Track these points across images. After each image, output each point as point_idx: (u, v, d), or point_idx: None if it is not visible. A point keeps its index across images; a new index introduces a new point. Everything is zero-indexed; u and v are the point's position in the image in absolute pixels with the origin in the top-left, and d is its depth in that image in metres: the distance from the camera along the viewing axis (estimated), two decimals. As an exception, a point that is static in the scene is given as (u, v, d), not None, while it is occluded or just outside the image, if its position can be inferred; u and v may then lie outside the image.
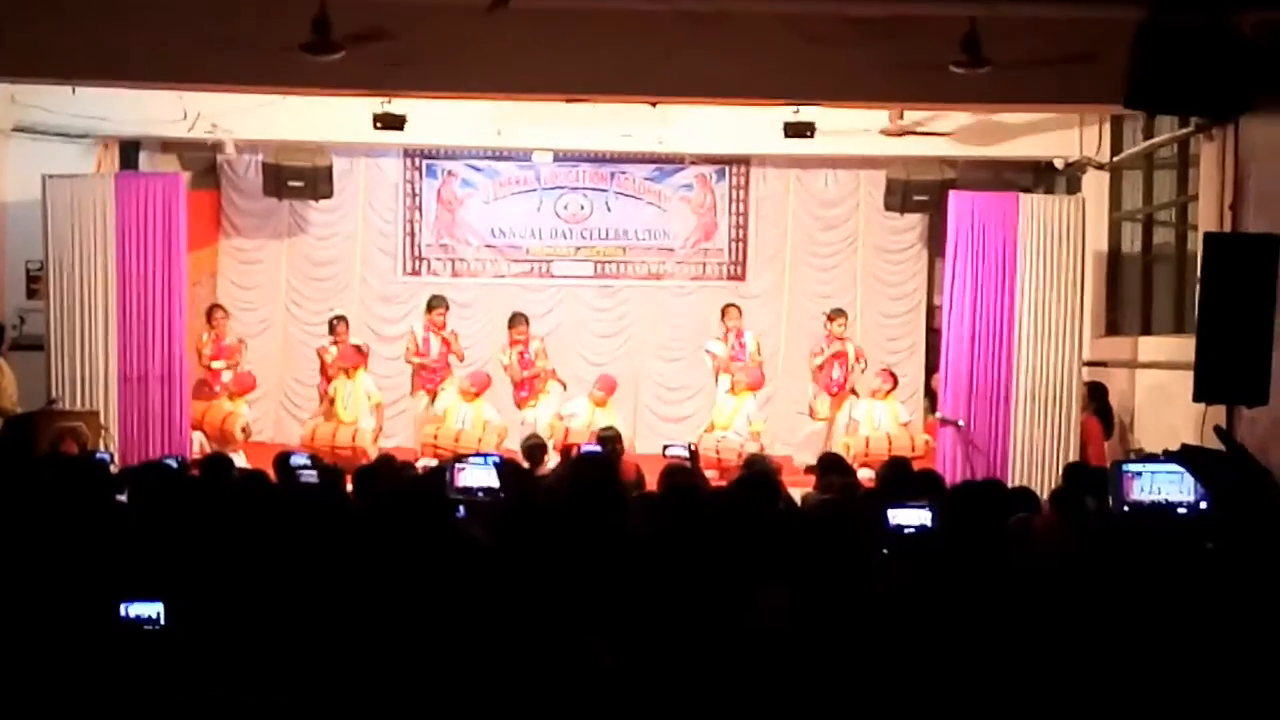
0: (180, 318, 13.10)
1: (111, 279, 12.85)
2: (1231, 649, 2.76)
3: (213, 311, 14.41)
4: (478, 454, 8.94)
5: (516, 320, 14.43)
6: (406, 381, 14.87)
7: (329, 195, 14.83)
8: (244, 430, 13.92)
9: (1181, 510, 3.88)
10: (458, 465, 7.47)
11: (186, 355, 13.36)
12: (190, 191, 13.80)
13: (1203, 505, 3.77)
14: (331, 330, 14.57)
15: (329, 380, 14.34)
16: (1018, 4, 9.41)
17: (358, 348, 14.34)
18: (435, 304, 14.44)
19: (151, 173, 14.39)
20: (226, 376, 14.19)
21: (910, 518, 5.69)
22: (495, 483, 6.75)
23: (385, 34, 10.26)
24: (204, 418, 13.82)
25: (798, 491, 9.01)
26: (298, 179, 14.41)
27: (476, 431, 13.65)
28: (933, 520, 5.63)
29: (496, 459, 7.72)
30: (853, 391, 14.42)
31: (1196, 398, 9.51)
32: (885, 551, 5.49)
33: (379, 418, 14.19)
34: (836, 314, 14.56)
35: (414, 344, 14.33)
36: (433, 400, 14.26)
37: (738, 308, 14.73)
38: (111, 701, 3.64)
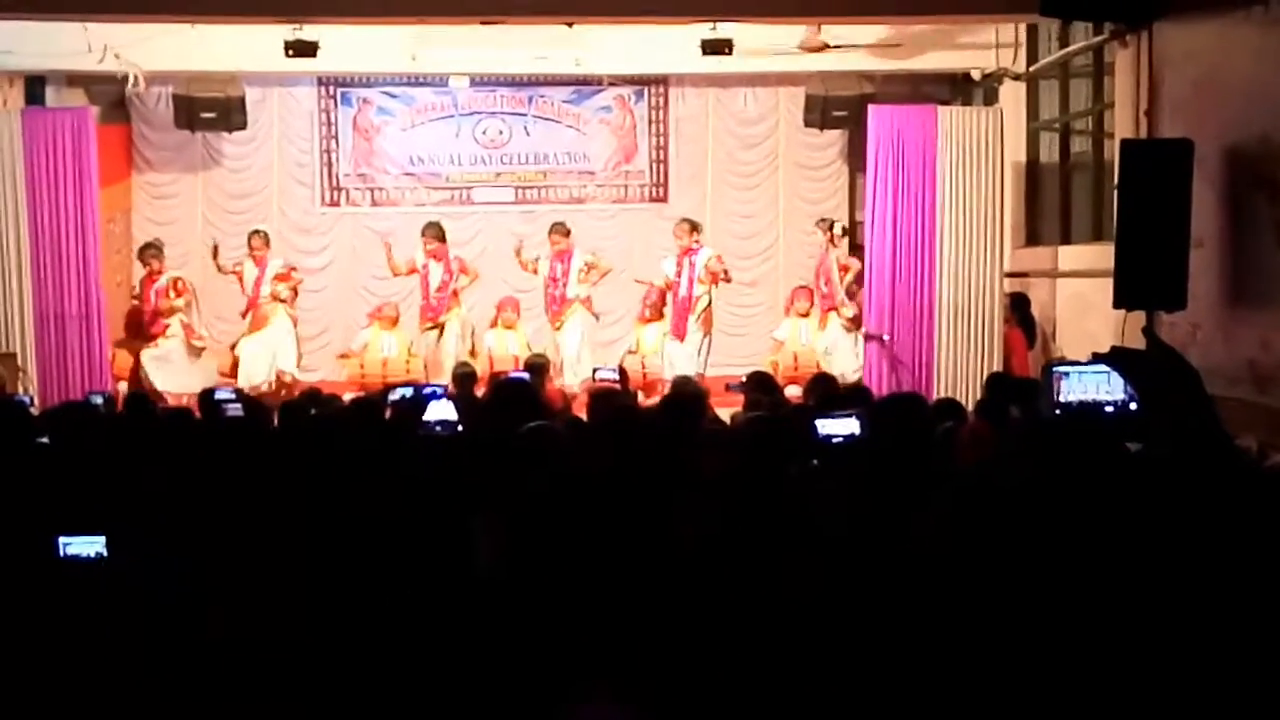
0: (95, 255, 12.90)
1: (23, 218, 12.63)
2: (1157, 547, 2.80)
3: (145, 250, 14.04)
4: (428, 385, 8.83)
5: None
6: (327, 315, 14.75)
7: (243, 126, 14.59)
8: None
9: (1109, 409, 3.96)
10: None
11: (104, 293, 13.15)
12: (100, 126, 13.53)
13: (1131, 405, 3.84)
14: (250, 243, 14.15)
15: (250, 305, 14.05)
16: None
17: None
18: (429, 233, 13.95)
19: (59, 108, 14.10)
20: (173, 319, 13.77)
21: (839, 427, 5.73)
22: (452, 415, 6.65)
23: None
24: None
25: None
26: (210, 110, 14.16)
27: (402, 360, 13.63)
28: (861, 429, 5.67)
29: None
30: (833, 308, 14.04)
31: (1116, 304, 9.65)
32: (815, 461, 5.53)
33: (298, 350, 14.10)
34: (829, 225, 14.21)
35: (430, 277, 13.90)
36: (441, 333, 13.95)
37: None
38: (54, 639, 3.61)
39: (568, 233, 14.03)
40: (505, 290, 14.93)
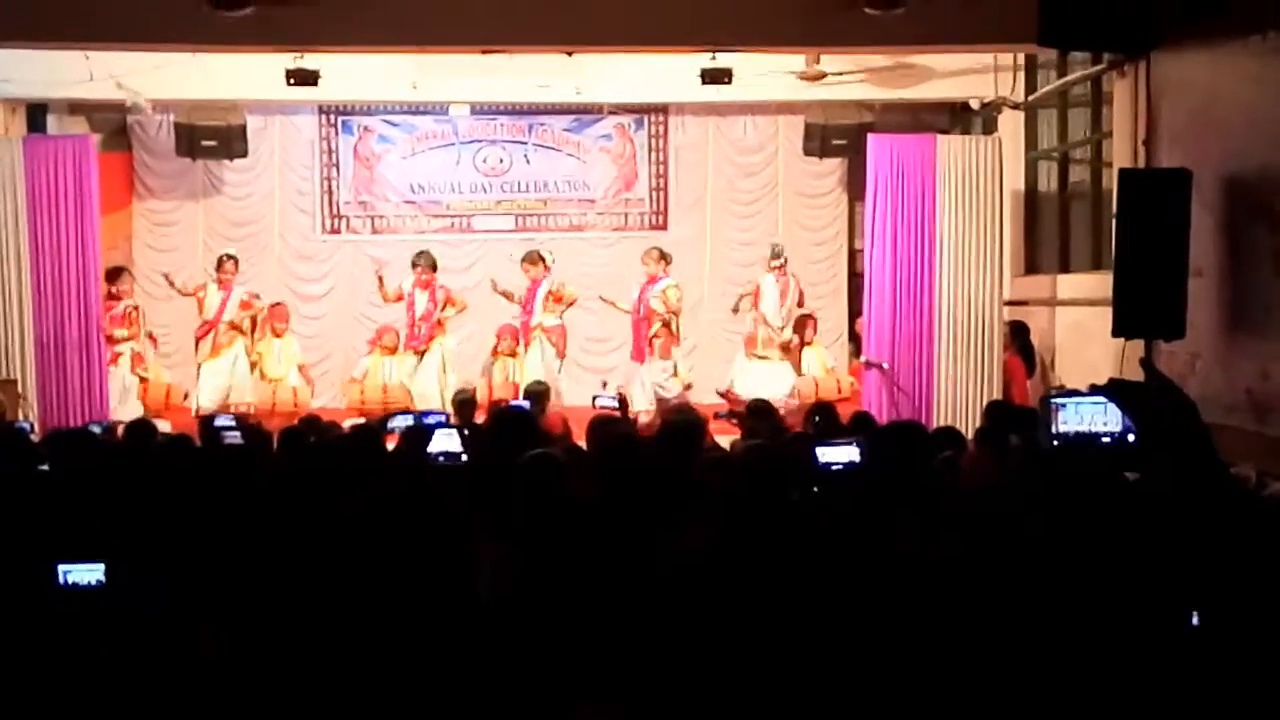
0: (95, 283, 12.90)
1: (24, 245, 12.62)
2: (1156, 576, 2.81)
3: (118, 274, 13.80)
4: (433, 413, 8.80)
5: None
6: (328, 342, 14.78)
7: (244, 154, 14.65)
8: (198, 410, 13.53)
9: (1105, 439, 3.97)
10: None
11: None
12: (101, 154, 13.56)
13: (1129, 436, 3.86)
14: (220, 268, 13.94)
15: (204, 328, 13.86)
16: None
17: (285, 307, 14.20)
18: (422, 262, 13.89)
19: (61, 135, 14.15)
20: (122, 348, 13.54)
21: (838, 455, 5.75)
22: (455, 446, 6.63)
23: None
24: (167, 401, 13.54)
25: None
26: (211, 139, 14.22)
27: (402, 389, 13.64)
28: (860, 456, 5.68)
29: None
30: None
31: (1115, 333, 9.66)
32: (815, 490, 5.55)
33: (305, 377, 14.08)
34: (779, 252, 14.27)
35: (414, 303, 13.84)
36: (420, 359, 13.87)
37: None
38: (54, 666, 3.61)
39: (538, 260, 13.91)
40: (506, 318, 14.94)
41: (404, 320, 13.97)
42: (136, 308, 14.03)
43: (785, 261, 14.07)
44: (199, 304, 13.90)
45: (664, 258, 14.06)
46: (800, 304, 14.11)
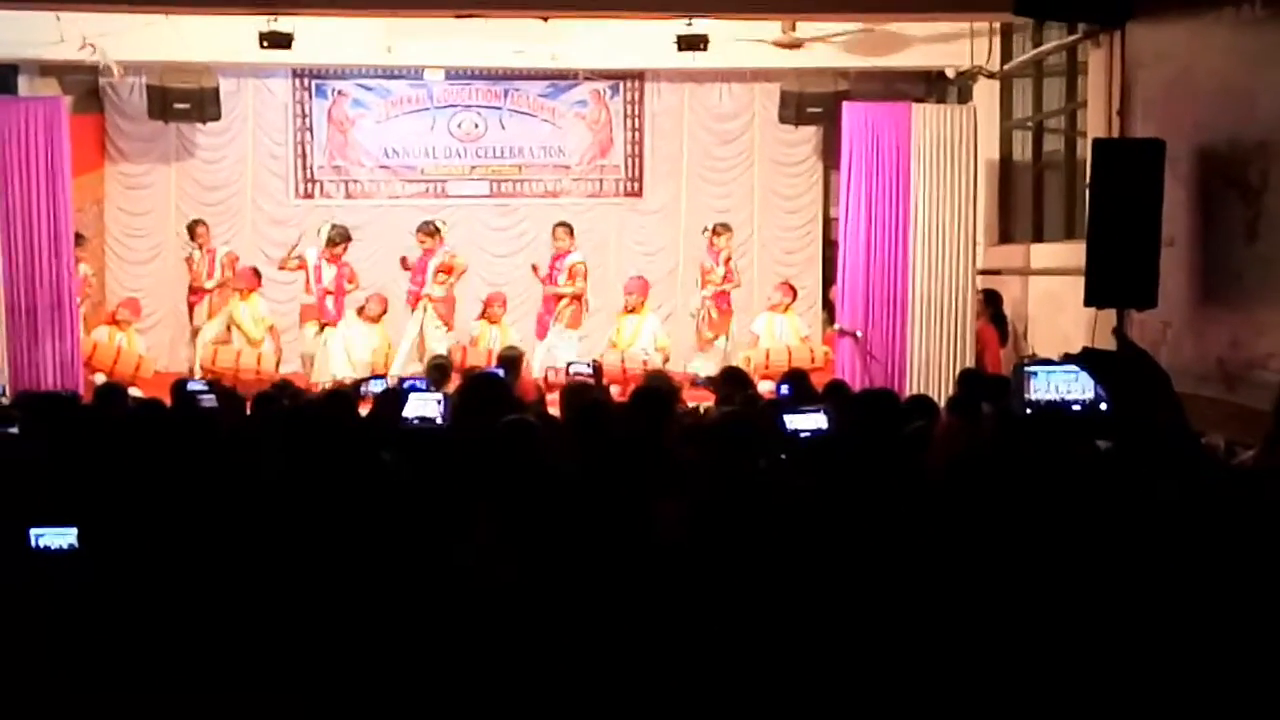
0: (68, 246, 12.79)
1: (-5, 207, 12.53)
2: (1127, 543, 2.83)
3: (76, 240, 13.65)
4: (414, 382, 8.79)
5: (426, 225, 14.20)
6: (299, 307, 14.71)
7: (216, 118, 14.54)
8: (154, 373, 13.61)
9: (1076, 407, 4.01)
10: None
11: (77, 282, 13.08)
12: (73, 116, 13.44)
13: (1100, 405, 3.89)
14: (192, 235, 14.41)
15: (196, 294, 14.22)
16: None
17: (254, 270, 14.18)
18: (338, 238, 14.01)
19: (31, 97, 14.03)
20: (83, 309, 13.61)
21: (806, 422, 5.76)
22: (431, 412, 6.60)
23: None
24: (114, 364, 13.50)
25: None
26: (184, 101, 14.11)
27: (380, 353, 13.66)
28: (829, 424, 5.70)
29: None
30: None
31: (1088, 302, 9.71)
32: (784, 457, 5.56)
33: (276, 341, 14.07)
34: (721, 228, 14.52)
35: (309, 274, 14.02)
36: (320, 332, 13.99)
37: (569, 228, 14.35)
38: (26, 630, 3.60)
39: (433, 232, 14.03)
40: (480, 285, 14.95)
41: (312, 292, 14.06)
42: (86, 278, 14.02)
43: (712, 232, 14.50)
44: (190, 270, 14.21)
45: (571, 232, 14.27)
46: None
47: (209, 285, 14.27)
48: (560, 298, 14.02)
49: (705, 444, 5.61)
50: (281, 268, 14.19)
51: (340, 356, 13.72)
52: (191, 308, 14.48)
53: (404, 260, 14.13)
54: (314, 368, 13.79)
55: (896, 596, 3.49)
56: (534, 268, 14.30)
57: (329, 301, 13.93)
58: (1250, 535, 2.54)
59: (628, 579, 3.82)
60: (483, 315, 14.02)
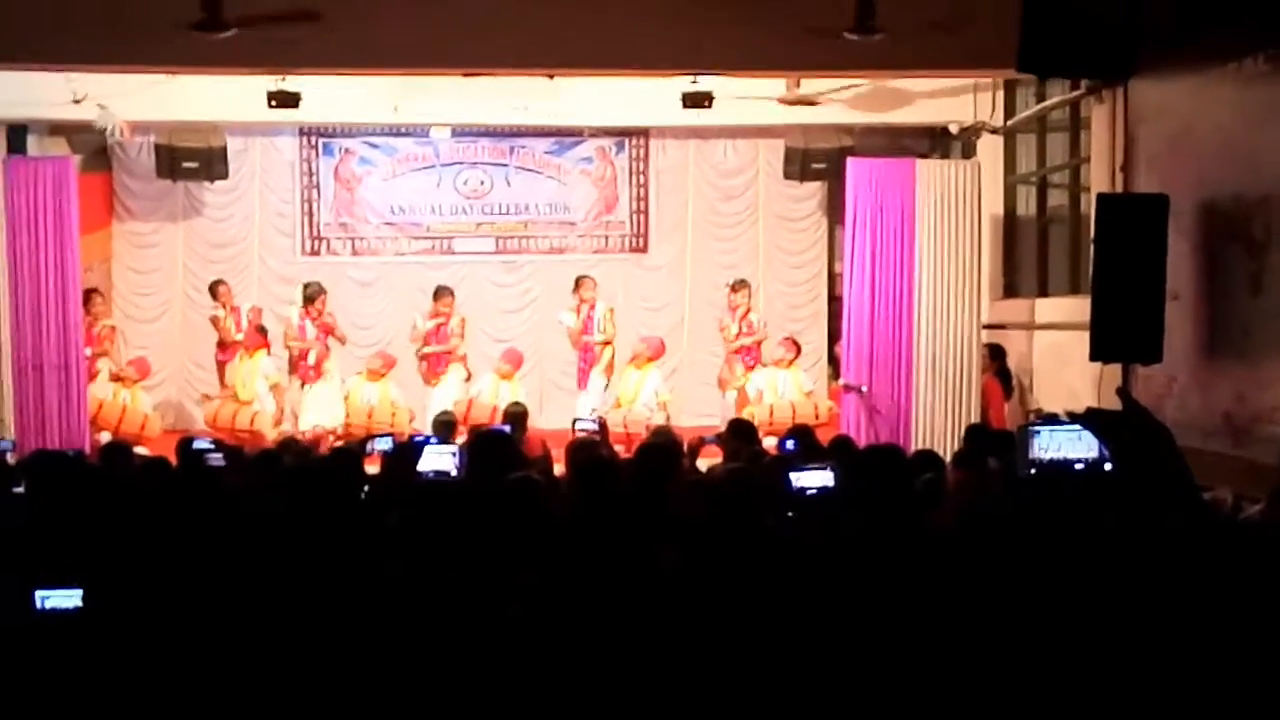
0: (75, 304, 12.87)
1: (2, 266, 12.59)
2: (1132, 600, 2.82)
3: (89, 297, 13.86)
4: (427, 437, 8.79)
5: (442, 293, 14.33)
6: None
7: (224, 176, 14.65)
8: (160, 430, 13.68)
9: (1079, 466, 4.01)
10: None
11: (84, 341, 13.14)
12: (81, 174, 13.54)
13: (1105, 465, 3.90)
14: (215, 295, 14.48)
15: (226, 351, 14.29)
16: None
17: (260, 329, 14.21)
18: (312, 293, 14.22)
19: (41, 156, 14.11)
20: (100, 365, 13.83)
21: (812, 480, 5.75)
22: (446, 465, 6.58)
23: (279, 12, 10.12)
24: (120, 422, 13.46)
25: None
26: (192, 160, 14.21)
27: (384, 412, 13.62)
28: (835, 481, 5.69)
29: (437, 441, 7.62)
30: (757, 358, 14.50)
31: (1093, 357, 9.71)
32: (790, 514, 5.55)
33: (279, 400, 14.06)
34: (739, 285, 14.65)
35: (290, 331, 14.18)
36: (303, 387, 14.09)
37: (593, 279, 14.63)
38: (31, 692, 3.59)
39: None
40: (486, 341, 14.99)
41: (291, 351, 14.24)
42: (113, 328, 14.22)
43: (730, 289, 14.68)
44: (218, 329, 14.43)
45: (594, 284, 14.58)
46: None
47: (239, 338, 14.25)
48: (593, 346, 14.25)
49: (709, 500, 5.61)
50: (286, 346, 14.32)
51: (314, 410, 13.79)
52: (222, 366, 14.46)
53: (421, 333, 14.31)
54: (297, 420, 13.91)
55: (905, 652, 3.48)
56: (568, 330, 14.48)
57: (310, 357, 14.01)
58: (1255, 588, 2.54)
59: (628, 626, 3.81)
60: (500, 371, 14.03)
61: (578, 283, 14.59)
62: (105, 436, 12.91)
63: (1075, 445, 4.00)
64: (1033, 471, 3.96)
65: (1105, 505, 3.72)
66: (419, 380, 14.32)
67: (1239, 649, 2.48)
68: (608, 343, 14.32)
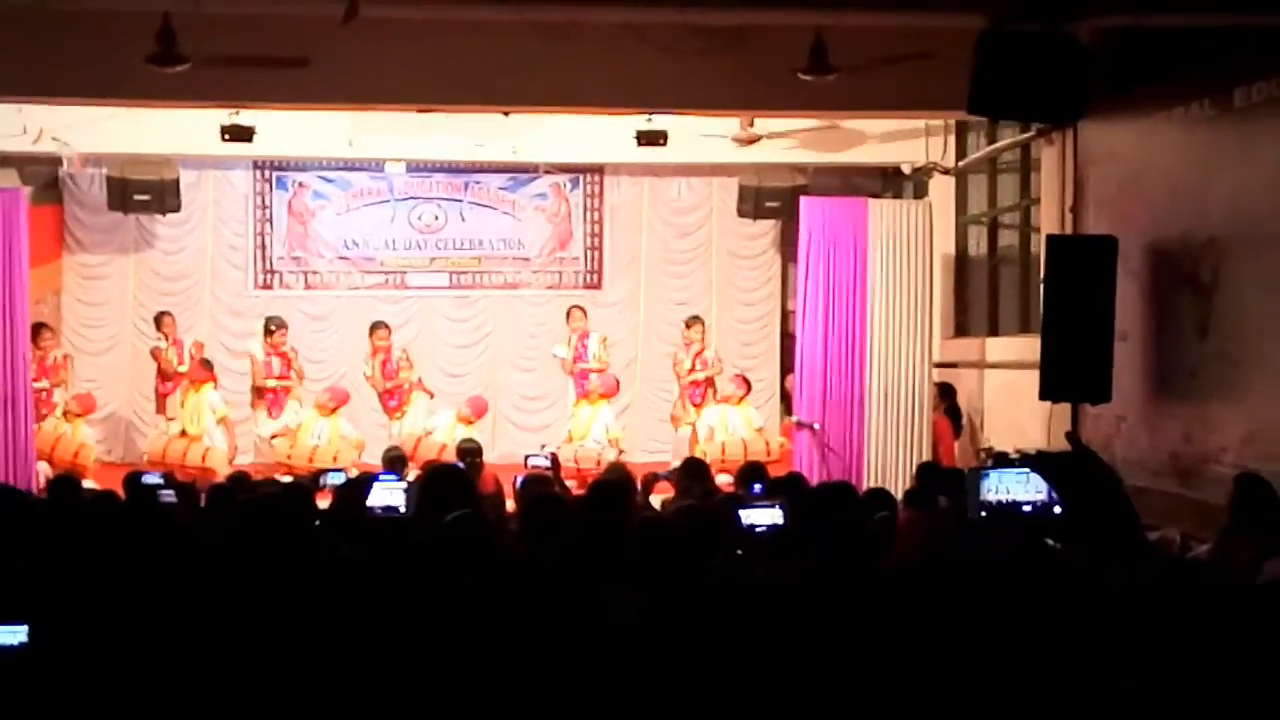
0: (23, 338, 12.71)
1: (-50, 296, 12.45)
2: (1078, 642, 2.85)
3: (38, 331, 13.70)
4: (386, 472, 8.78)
5: (377, 328, 14.42)
6: (250, 397, 14.69)
7: (176, 209, 14.57)
8: (95, 461, 13.58)
9: (1027, 508, 4.06)
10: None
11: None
12: (31, 206, 13.42)
13: (1053, 507, 3.96)
14: (159, 326, 14.47)
15: (166, 381, 14.27)
16: (862, 13, 9.57)
17: (205, 362, 14.11)
18: (274, 327, 14.32)
19: (-9, 188, 14.00)
20: (57, 397, 13.76)
21: (762, 517, 5.78)
22: (395, 500, 6.55)
23: (233, 51, 10.11)
24: (53, 450, 13.34)
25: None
26: (144, 193, 14.13)
27: (333, 447, 13.55)
28: (785, 519, 5.72)
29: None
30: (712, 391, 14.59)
31: (1043, 396, 9.80)
32: (739, 552, 5.56)
33: (230, 435, 13.96)
34: (693, 321, 14.72)
35: (258, 367, 14.21)
36: (270, 416, 14.15)
37: (582, 309, 14.85)
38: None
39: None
40: (440, 376, 14.97)
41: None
42: (66, 356, 14.18)
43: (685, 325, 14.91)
44: (159, 361, 14.40)
45: (585, 314, 14.84)
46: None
47: (182, 369, 14.18)
48: (588, 374, 14.37)
49: (661, 540, 5.60)
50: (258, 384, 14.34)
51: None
52: (162, 398, 14.41)
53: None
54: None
55: (855, 691, 3.49)
56: (561, 361, 14.63)
57: (279, 393, 14.15)
58: (1202, 626, 2.57)
59: (580, 668, 3.81)
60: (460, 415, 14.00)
61: (568, 314, 14.83)
62: (42, 467, 12.82)
63: (1024, 488, 4.05)
64: (983, 514, 4.01)
65: (1054, 547, 3.76)
66: (385, 415, 14.37)
67: (1188, 686, 2.51)
68: (603, 369, 14.48)
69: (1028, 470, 3.08)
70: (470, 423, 13.83)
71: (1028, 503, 4.00)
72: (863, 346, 13.13)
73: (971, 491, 4.13)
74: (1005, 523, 3.95)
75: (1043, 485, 3.98)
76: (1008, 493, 4.06)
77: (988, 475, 4.13)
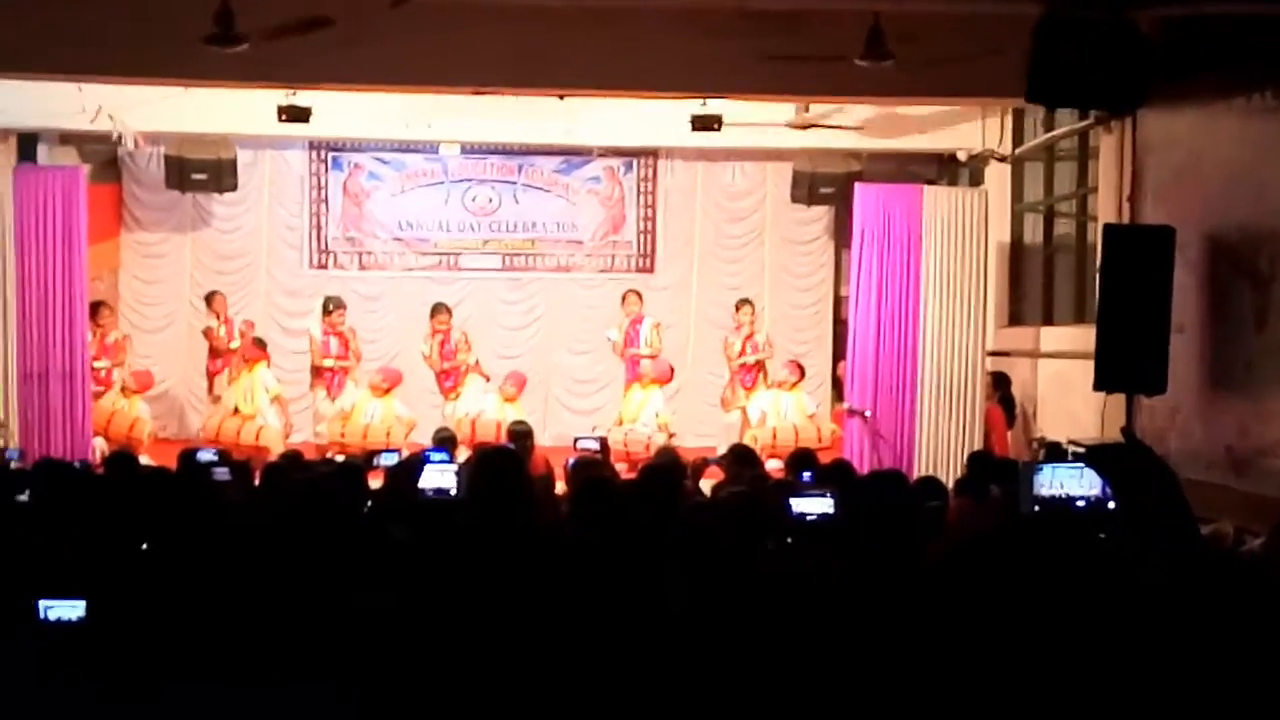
0: (82, 314, 12.90)
1: (10, 274, 12.61)
2: (1131, 639, 2.84)
3: (97, 309, 13.94)
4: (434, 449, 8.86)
5: (438, 310, 14.48)
6: (309, 377, 14.81)
7: (233, 188, 14.69)
8: (150, 435, 13.73)
9: (1081, 503, 4.04)
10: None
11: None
12: (90, 184, 13.55)
13: (1109, 503, 3.93)
14: (209, 305, 14.62)
15: (216, 359, 14.41)
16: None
17: (257, 341, 14.22)
18: (333, 306, 14.37)
19: (51, 166, 14.17)
20: (116, 375, 13.95)
21: (813, 506, 5.77)
22: (447, 483, 6.57)
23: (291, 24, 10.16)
24: (109, 424, 13.52)
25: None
26: (201, 172, 14.25)
27: (385, 426, 13.63)
28: (835, 508, 5.70)
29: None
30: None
31: (1097, 387, 9.71)
32: (789, 540, 5.56)
33: (284, 413, 14.07)
34: (742, 303, 14.69)
35: (316, 347, 14.28)
36: (329, 397, 14.21)
37: (638, 294, 14.83)
38: (34, 704, 3.60)
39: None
40: (490, 358, 15.01)
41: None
42: (126, 336, 14.35)
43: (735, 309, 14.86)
44: (211, 338, 14.53)
45: (641, 298, 14.81)
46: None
47: (234, 346, 14.34)
48: (639, 359, 14.39)
49: (711, 524, 5.61)
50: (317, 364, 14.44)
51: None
52: (212, 376, 14.55)
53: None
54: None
55: (898, 682, 3.48)
56: (613, 344, 14.68)
57: (337, 374, 14.21)
58: (1255, 622, 2.55)
59: (628, 651, 3.82)
60: (504, 393, 14.07)
61: (623, 298, 14.84)
62: (98, 442, 12.98)
63: (1078, 483, 4.02)
64: (1036, 508, 3.98)
65: (1107, 542, 3.73)
66: (439, 396, 14.45)
67: (1239, 683, 2.49)
68: (654, 356, 14.47)
69: (1081, 465, 3.06)
70: (513, 399, 13.89)
71: (1081, 498, 3.98)
72: (915, 334, 13.07)
73: (1025, 485, 4.10)
74: (1058, 518, 3.93)
75: (1097, 481, 3.95)
76: (1061, 487, 4.03)
77: (1041, 469, 4.11)
